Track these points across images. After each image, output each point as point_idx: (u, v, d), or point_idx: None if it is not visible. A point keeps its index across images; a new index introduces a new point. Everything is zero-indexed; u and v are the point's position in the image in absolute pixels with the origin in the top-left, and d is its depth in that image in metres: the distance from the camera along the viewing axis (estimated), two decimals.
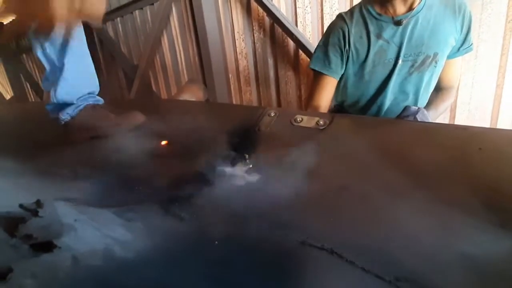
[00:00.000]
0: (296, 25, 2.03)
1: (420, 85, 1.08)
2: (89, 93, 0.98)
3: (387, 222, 0.48)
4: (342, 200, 0.56)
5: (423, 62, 1.04)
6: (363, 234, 0.46)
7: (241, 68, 2.45)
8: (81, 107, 0.95)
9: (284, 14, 2.04)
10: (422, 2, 1.01)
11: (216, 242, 0.48)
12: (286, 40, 2.13)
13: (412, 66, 1.06)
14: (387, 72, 1.08)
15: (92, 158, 0.81)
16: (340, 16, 1.14)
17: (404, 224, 0.46)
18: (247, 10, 2.26)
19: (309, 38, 2.00)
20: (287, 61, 2.19)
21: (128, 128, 0.95)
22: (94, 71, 1.01)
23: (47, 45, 0.87)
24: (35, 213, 0.37)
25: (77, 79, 0.94)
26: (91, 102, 0.97)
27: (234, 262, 0.45)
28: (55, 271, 0.30)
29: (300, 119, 0.85)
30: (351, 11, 1.13)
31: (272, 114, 0.91)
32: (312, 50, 1.94)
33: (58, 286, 0.29)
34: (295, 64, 2.17)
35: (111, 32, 3.50)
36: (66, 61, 0.90)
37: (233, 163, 0.73)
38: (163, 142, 0.86)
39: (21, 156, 0.81)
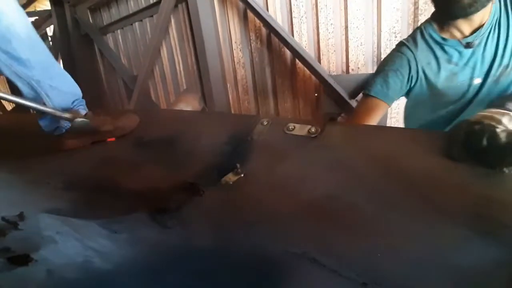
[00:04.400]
0: (292, 34, 2.06)
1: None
2: (78, 99, 1.02)
3: (374, 231, 0.47)
4: (330, 210, 0.55)
5: (500, 73, 0.98)
6: (349, 243, 0.45)
7: (239, 77, 2.47)
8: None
9: (280, 24, 2.07)
10: (490, 20, 0.95)
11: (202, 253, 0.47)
12: (282, 49, 2.15)
13: (489, 80, 0.99)
14: (461, 93, 1.02)
15: (84, 168, 0.81)
16: (402, 44, 1.09)
17: (391, 233, 0.46)
18: (244, 20, 2.29)
19: (305, 47, 2.02)
20: (284, 70, 2.21)
21: (123, 133, 0.97)
22: (71, 77, 1.04)
23: (15, 64, 0.89)
24: (15, 226, 0.37)
25: (64, 88, 0.98)
26: (82, 108, 1.01)
27: (219, 273, 0.44)
28: (27, 285, 0.30)
29: (292, 127, 0.85)
30: (413, 37, 1.07)
31: (265, 123, 0.91)
32: (308, 59, 1.97)
33: None
34: (292, 73, 2.18)
35: (111, 44, 3.55)
36: (48, 76, 0.93)
37: (224, 173, 0.73)
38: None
39: (13, 167, 0.81)
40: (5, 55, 0.86)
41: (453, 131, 0.61)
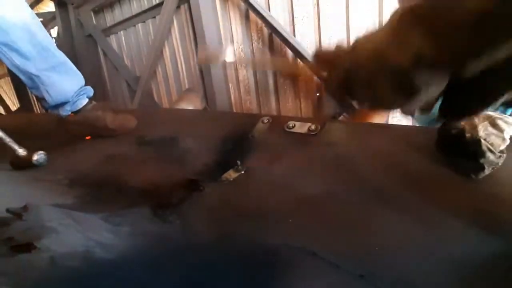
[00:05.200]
0: (294, 34, 2.06)
1: None
2: (79, 88, 1.03)
3: (371, 225, 0.47)
4: (329, 205, 0.55)
5: None
6: (347, 237, 0.46)
7: (240, 77, 2.48)
8: (78, 102, 1.01)
9: (282, 24, 2.08)
10: None
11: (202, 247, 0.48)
12: (284, 49, 2.15)
13: None
14: None
15: (88, 165, 0.82)
16: None
17: (389, 227, 0.46)
18: (246, 21, 2.30)
19: (306, 47, 2.03)
20: None
21: (122, 132, 0.99)
22: (74, 66, 1.05)
23: (15, 56, 0.89)
24: (19, 217, 0.38)
25: (64, 80, 0.98)
26: (85, 96, 1.03)
27: (219, 266, 0.45)
28: (30, 270, 0.31)
29: (293, 125, 0.85)
30: None
31: (266, 121, 0.91)
32: (310, 59, 1.97)
33: (32, 285, 0.30)
34: None
35: (114, 45, 3.58)
36: (49, 67, 0.94)
37: (225, 170, 0.74)
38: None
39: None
40: (5, 48, 0.85)
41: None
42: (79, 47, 3.73)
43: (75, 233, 0.38)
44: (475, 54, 0.21)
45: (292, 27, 2.08)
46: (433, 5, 0.22)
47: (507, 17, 0.18)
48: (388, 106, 0.31)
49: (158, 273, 0.40)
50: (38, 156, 0.83)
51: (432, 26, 0.22)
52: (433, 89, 0.25)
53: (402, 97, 0.27)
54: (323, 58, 0.37)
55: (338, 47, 0.34)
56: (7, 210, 0.41)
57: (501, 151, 0.52)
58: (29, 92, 5.76)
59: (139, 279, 0.36)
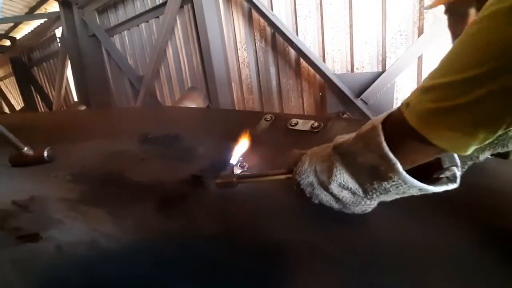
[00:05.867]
0: (297, 34, 2.06)
1: None
2: None
3: (372, 220, 0.47)
4: None
5: None
6: (349, 230, 0.46)
7: (243, 77, 2.49)
8: None
9: (285, 23, 2.08)
10: None
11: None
12: (287, 49, 2.16)
13: None
14: None
15: (92, 162, 0.82)
16: None
17: (389, 221, 0.46)
18: (249, 20, 2.30)
19: (309, 47, 2.03)
20: (289, 69, 2.22)
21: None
22: None
23: None
24: (26, 209, 0.39)
25: None
26: None
27: (220, 260, 0.45)
28: (38, 258, 0.31)
29: (295, 123, 0.85)
30: None
31: (269, 118, 0.92)
32: (313, 58, 1.97)
33: (40, 271, 0.30)
34: (296, 72, 2.19)
35: (118, 45, 3.60)
36: None
37: (227, 166, 0.74)
38: None
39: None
40: None
41: None
42: (83, 47, 3.76)
43: (81, 225, 0.39)
44: None
45: (295, 26, 2.08)
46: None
47: None
48: None
49: (164, 264, 0.40)
50: (48, 152, 0.84)
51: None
52: None
53: None
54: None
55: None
56: (13, 203, 0.41)
57: None
58: (33, 92, 5.83)
59: (143, 269, 0.36)
